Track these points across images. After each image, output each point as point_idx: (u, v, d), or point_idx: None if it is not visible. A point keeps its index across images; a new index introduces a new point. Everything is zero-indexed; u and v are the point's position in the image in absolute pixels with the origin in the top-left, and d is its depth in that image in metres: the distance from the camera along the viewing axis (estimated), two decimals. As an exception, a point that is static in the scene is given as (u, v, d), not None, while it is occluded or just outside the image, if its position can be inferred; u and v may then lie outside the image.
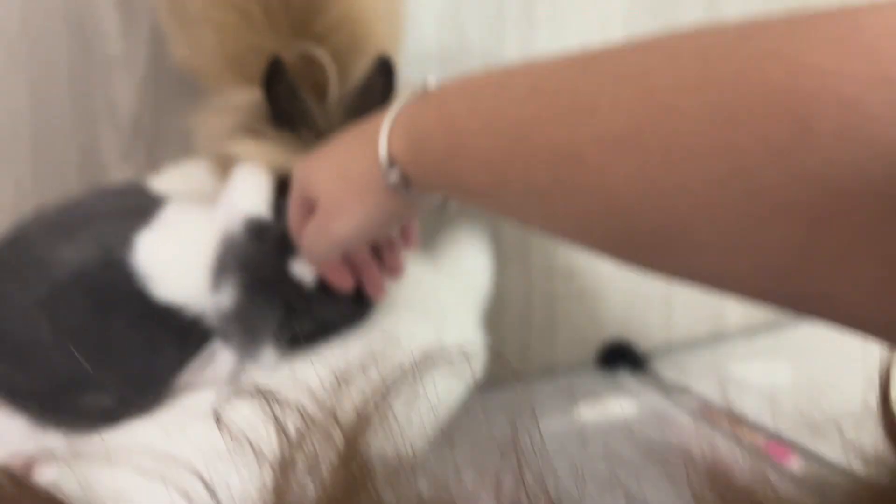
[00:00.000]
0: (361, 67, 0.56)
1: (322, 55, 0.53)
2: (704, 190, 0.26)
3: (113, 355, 0.51)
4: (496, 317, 0.78)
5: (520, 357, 0.81)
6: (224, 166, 0.57)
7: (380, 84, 0.55)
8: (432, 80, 0.42)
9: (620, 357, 0.81)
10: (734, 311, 0.86)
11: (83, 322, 0.50)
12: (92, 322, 0.50)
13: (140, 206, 0.54)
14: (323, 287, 0.53)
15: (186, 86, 0.66)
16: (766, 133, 0.24)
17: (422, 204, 0.45)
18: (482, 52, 0.77)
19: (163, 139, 0.68)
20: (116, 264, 0.51)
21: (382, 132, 0.42)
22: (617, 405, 0.74)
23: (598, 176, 0.29)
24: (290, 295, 0.53)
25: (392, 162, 0.42)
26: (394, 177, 0.42)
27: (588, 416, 0.75)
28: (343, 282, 0.53)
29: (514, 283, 0.79)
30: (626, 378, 0.80)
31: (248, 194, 0.54)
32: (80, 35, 0.64)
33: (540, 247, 0.80)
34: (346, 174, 0.45)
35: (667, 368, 0.80)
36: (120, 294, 0.51)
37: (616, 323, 0.83)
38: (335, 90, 0.54)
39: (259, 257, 0.52)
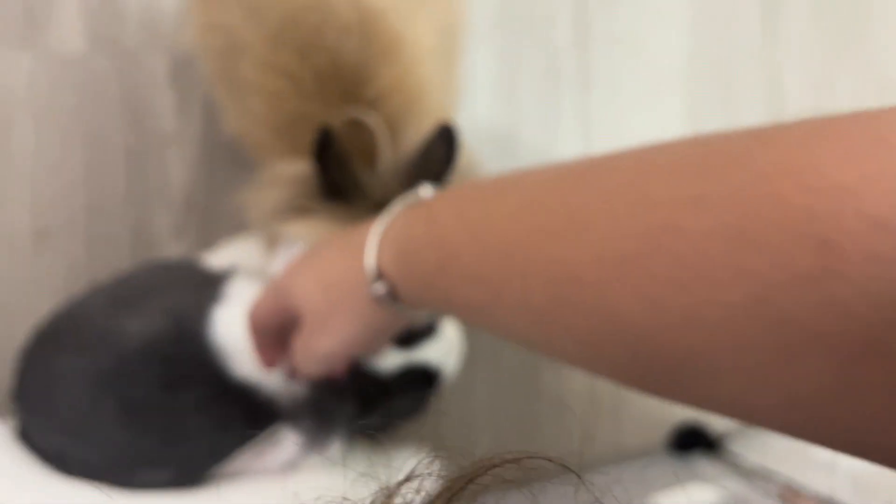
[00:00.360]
0: (414, 135, 0.54)
1: (374, 121, 0.52)
2: (721, 317, 0.23)
3: (178, 432, 0.49)
4: (560, 400, 0.74)
5: (584, 443, 0.76)
6: (275, 243, 0.56)
7: (441, 152, 0.53)
8: (426, 191, 0.41)
9: (694, 440, 0.76)
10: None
11: (151, 396, 0.48)
12: (160, 396, 0.48)
13: (203, 280, 0.53)
14: (399, 382, 0.52)
15: (240, 162, 0.65)
16: (787, 259, 0.21)
17: (410, 318, 0.43)
18: (535, 136, 0.75)
19: (215, 216, 0.67)
20: (191, 338, 0.49)
21: (370, 243, 0.40)
22: (696, 493, 0.69)
23: (599, 296, 0.27)
24: (368, 390, 0.51)
25: (379, 275, 0.40)
26: (380, 290, 0.40)
27: (666, 504, 0.70)
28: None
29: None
30: (701, 462, 0.75)
31: None
32: (134, 113, 0.64)
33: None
34: (330, 286, 0.43)
35: (744, 450, 0.75)
36: (193, 369, 0.49)
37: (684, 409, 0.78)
38: (387, 157, 0.53)
39: None
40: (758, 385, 0.23)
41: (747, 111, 0.80)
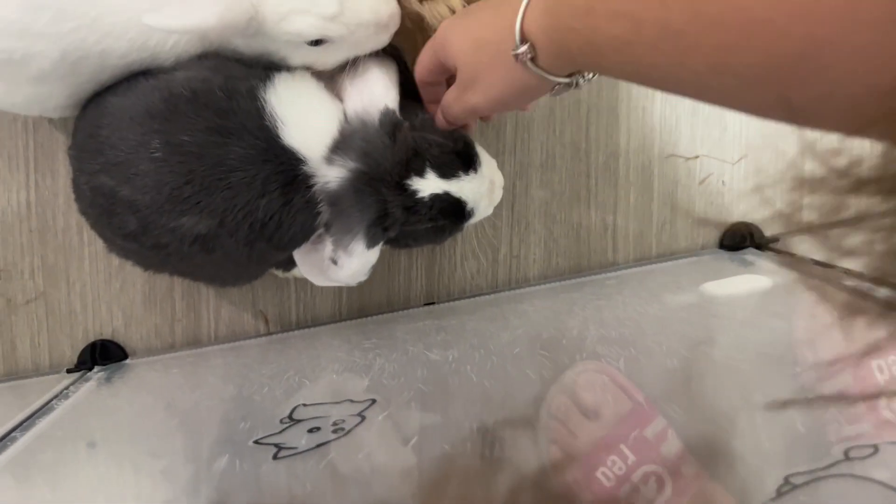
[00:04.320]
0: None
1: None
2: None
3: (220, 181, 0.50)
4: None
5: (637, 243, 0.79)
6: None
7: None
8: None
9: (743, 240, 0.78)
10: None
11: (197, 141, 0.49)
12: (207, 143, 0.49)
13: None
14: (427, 204, 0.53)
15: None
16: None
17: (553, 84, 0.46)
18: None
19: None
20: (246, 94, 0.50)
21: (521, 5, 0.43)
22: (747, 281, 0.72)
23: (732, 4, 0.29)
24: (394, 202, 0.52)
25: (525, 38, 0.43)
26: (525, 52, 0.43)
27: (715, 291, 0.73)
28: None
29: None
30: (751, 258, 0.77)
31: (389, 88, 0.54)
32: None
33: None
34: (483, 45, 0.47)
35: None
36: (242, 124, 0.50)
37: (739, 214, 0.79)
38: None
39: (384, 155, 0.52)
40: (872, 67, 0.26)
41: None
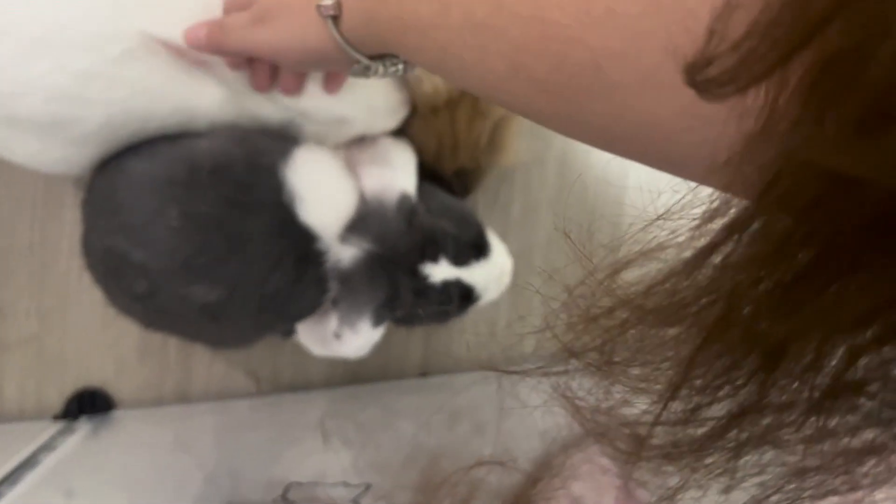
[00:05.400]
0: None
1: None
2: (634, 14, 0.25)
3: (235, 254, 0.50)
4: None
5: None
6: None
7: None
8: None
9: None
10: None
11: (215, 213, 0.49)
12: (225, 216, 0.49)
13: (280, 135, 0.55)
14: (437, 290, 0.54)
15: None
16: None
17: (349, 55, 0.43)
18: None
19: None
20: (266, 170, 0.51)
21: None
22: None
23: (533, 4, 0.29)
24: (406, 286, 0.53)
25: None
26: (328, 8, 0.41)
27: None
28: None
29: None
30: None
31: (408, 173, 0.55)
32: None
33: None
34: None
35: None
36: (262, 199, 0.50)
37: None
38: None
39: (400, 240, 0.52)
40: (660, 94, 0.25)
41: None
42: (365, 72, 0.44)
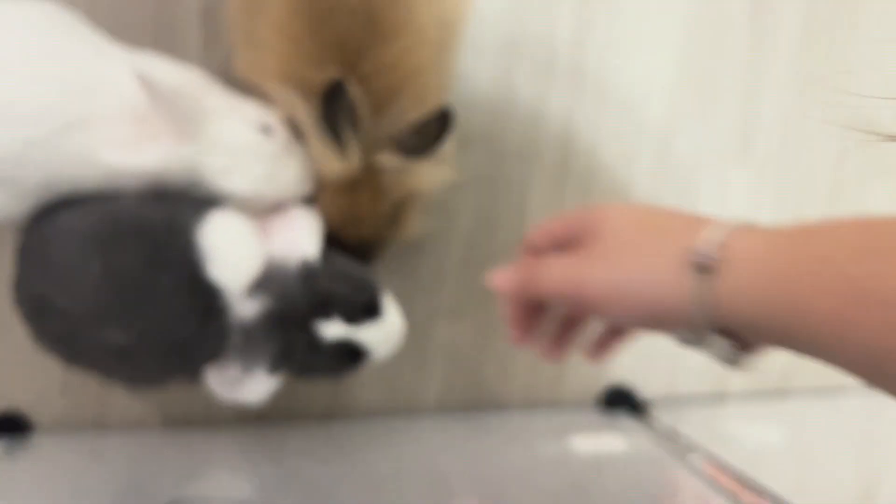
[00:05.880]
0: (400, 111, 0.61)
1: (355, 91, 0.58)
2: None
3: (147, 305, 0.56)
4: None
5: (527, 390, 0.86)
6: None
7: (435, 131, 0.61)
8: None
9: (620, 399, 0.86)
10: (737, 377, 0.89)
11: (134, 268, 0.56)
12: (142, 272, 0.56)
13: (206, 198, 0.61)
14: (328, 346, 0.60)
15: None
16: None
17: (704, 320, 0.36)
18: (528, 109, 0.82)
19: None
20: (182, 230, 0.57)
21: (714, 224, 0.37)
22: (609, 440, 0.79)
23: None
24: (300, 343, 0.60)
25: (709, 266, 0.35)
26: (706, 256, 0.35)
27: (581, 446, 0.80)
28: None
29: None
30: (623, 419, 0.85)
31: (311, 240, 0.62)
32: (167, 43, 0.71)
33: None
34: (650, 224, 0.39)
35: (665, 416, 0.85)
36: (176, 257, 0.57)
37: (622, 371, 0.88)
38: (367, 124, 0.60)
39: (297, 299, 0.59)
40: None
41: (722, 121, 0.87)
42: (695, 343, 0.37)
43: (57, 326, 0.58)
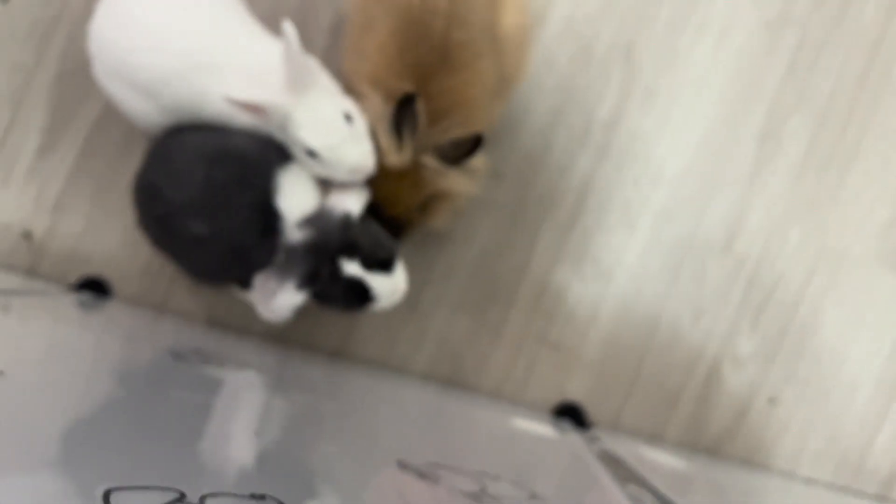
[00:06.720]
0: (448, 127, 0.81)
1: (420, 107, 0.78)
2: None
3: (228, 210, 0.77)
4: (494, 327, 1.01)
5: (496, 385, 1.04)
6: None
7: (468, 148, 0.81)
8: None
9: (569, 413, 1.02)
10: (676, 428, 1.04)
11: (226, 182, 0.77)
12: (231, 186, 0.77)
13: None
14: (345, 279, 0.79)
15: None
16: None
17: None
18: (558, 164, 1.02)
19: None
20: (267, 166, 0.78)
21: None
22: (545, 430, 0.95)
23: None
24: (325, 271, 0.78)
25: None
26: None
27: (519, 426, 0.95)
28: None
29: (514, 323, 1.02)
30: (565, 427, 1.00)
31: (357, 203, 0.82)
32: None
33: (552, 300, 1.02)
34: None
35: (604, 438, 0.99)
36: (258, 184, 0.78)
37: (579, 392, 1.04)
38: (422, 131, 0.80)
39: (332, 239, 0.79)
40: None
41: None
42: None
43: (159, 209, 0.79)
